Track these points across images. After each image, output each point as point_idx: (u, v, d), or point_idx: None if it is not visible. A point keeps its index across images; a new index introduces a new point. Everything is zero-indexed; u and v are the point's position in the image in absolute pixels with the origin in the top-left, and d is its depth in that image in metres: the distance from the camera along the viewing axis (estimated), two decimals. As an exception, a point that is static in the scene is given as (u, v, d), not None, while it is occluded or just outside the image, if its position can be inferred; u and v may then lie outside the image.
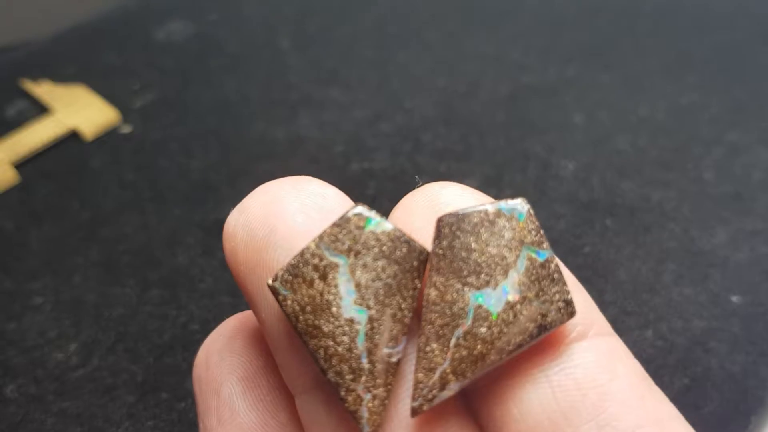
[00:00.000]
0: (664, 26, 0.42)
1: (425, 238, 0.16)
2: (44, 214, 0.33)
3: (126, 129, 0.37)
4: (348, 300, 0.16)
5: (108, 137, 0.36)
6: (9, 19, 0.44)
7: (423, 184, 0.18)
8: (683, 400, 0.26)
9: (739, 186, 0.33)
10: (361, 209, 0.16)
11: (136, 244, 0.32)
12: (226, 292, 0.30)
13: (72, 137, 0.36)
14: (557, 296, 0.16)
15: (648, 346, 0.28)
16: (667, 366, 0.27)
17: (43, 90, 0.38)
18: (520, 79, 0.39)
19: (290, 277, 0.16)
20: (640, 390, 0.16)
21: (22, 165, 0.35)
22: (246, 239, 0.17)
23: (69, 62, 0.41)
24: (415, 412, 0.15)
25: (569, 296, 0.16)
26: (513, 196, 0.16)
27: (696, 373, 0.27)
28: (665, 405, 0.16)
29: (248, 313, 0.20)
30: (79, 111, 0.37)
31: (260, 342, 0.19)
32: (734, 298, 0.29)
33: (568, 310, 0.16)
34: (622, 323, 0.28)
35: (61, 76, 0.40)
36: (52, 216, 0.33)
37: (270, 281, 0.16)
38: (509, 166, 0.34)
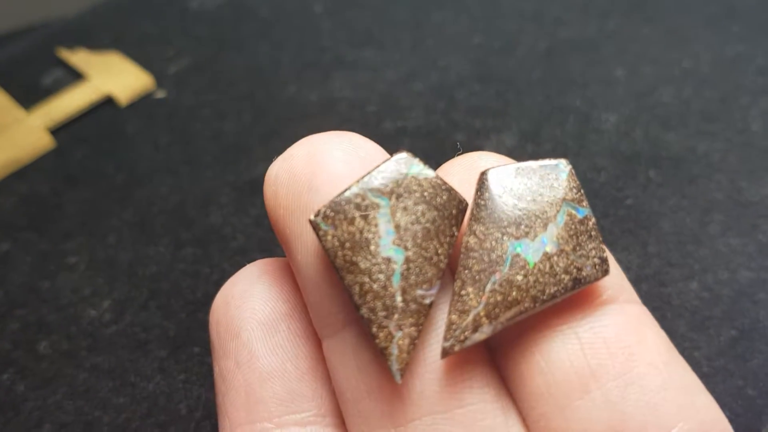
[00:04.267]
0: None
1: (464, 195, 0.17)
2: (79, 177, 0.33)
3: (160, 94, 0.37)
4: (387, 240, 0.16)
5: (142, 102, 0.36)
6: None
7: (463, 153, 0.18)
8: (730, 352, 0.25)
9: (789, 136, 0.31)
10: (406, 155, 0.16)
11: (169, 205, 0.31)
12: (258, 249, 0.29)
13: (107, 103, 0.36)
14: (593, 252, 0.16)
15: (693, 297, 0.26)
16: (714, 318, 0.26)
17: (79, 58, 0.38)
18: (558, 35, 0.38)
19: (332, 214, 0.16)
20: (667, 357, 0.16)
21: (57, 131, 0.35)
22: (288, 183, 0.17)
23: (104, 32, 0.41)
24: (446, 352, 0.16)
25: (605, 254, 0.16)
26: (555, 156, 0.17)
27: (743, 324, 0.26)
28: (690, 374, 0.16)
29: (270, 260, 0.19)
30: (113, 77, 0.37)
31: (283, 288, 0.19)
32: (784, 248, 0.27)
33: (603, 267, 0.16)
34: (666, 275, 0.27)
35: (97, 45, 0.40)
36: (87, 179, 0.33)
37: (312, 217, 0.16)
38: (547, 121, 0.33)
